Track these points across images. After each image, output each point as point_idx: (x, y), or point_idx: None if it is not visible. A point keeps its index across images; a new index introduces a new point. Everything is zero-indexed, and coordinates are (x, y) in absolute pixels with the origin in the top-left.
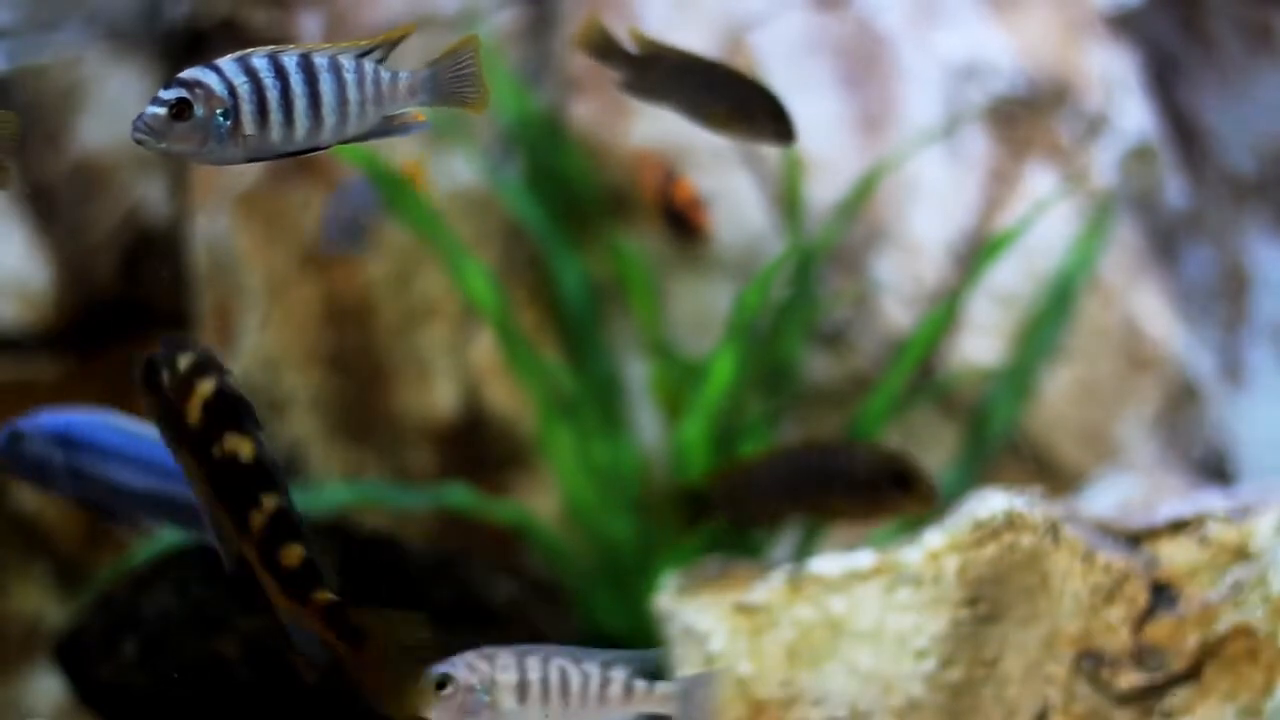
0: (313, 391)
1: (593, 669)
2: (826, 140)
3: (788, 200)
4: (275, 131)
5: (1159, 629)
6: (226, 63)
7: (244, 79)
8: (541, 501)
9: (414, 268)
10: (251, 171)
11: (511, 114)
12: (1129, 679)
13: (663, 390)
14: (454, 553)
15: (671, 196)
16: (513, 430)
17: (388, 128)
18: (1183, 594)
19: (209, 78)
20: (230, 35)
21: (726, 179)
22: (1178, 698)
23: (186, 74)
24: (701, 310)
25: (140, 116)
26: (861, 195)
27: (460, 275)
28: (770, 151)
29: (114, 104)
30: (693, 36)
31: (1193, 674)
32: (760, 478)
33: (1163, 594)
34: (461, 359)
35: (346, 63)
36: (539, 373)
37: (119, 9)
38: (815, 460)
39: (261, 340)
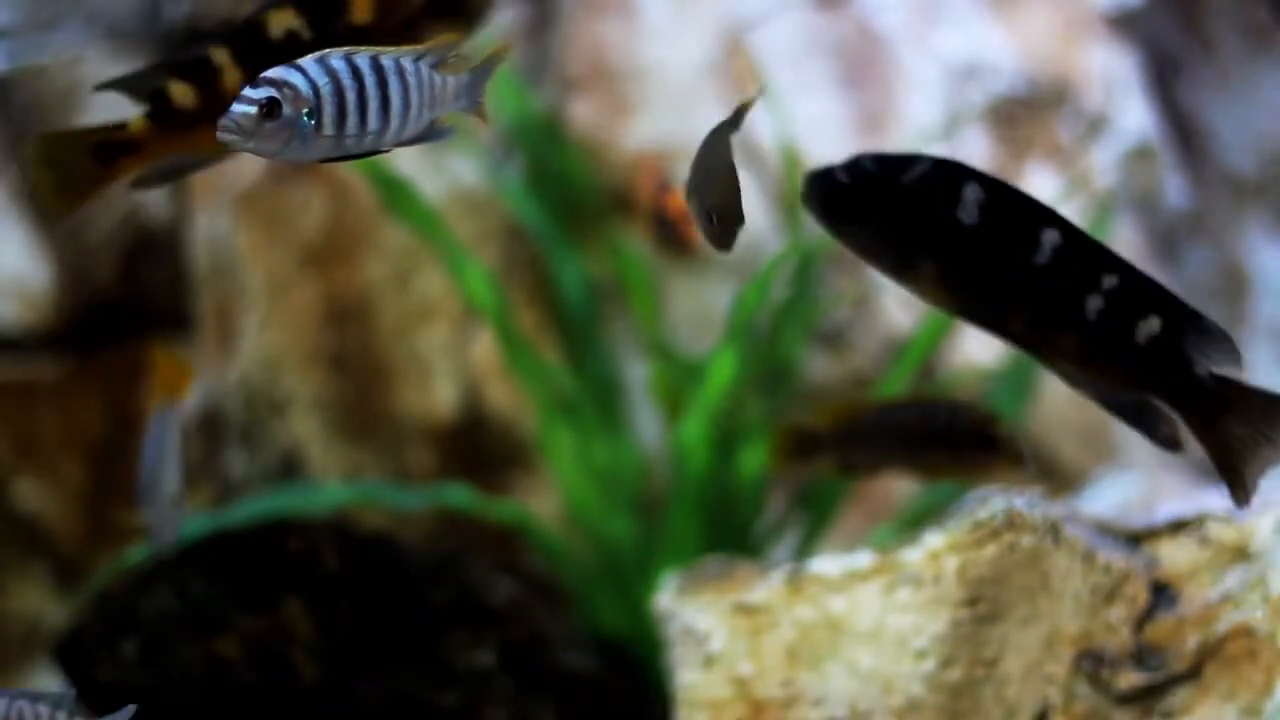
0: (313, 392)
1: None
2: (826, 140)
3: (788, 200)
4: (350, 132)
5: (1159, 629)
6: (309, 63)
7: (326, 79)
8: (541, 501)
9: (414, 268)
10: (251, 171)
11: (511, 114)
12: (1129, 679)
13: (663, 390)
14: (454, 553)
15: (664, 207)
16: (513, 430)
17: (426, 133)
18: (1183, 594)
19: (295, 77)
20: None
21: None
22: (1178, 698)
23: (273, 73)
24: (701, 310)
25: (229, 114)
26: None
27: (460, 275)
28: (770, 151)
29: (114, 104)
30: (693, 36)
31: (1193, 674)
32: (868, 426)
33: (1163, 594)
34: (461, 359)
35: (408, 65)
36: (539, 373)
37: (119, 9)
38: (917, 415)
39: (261, 340)
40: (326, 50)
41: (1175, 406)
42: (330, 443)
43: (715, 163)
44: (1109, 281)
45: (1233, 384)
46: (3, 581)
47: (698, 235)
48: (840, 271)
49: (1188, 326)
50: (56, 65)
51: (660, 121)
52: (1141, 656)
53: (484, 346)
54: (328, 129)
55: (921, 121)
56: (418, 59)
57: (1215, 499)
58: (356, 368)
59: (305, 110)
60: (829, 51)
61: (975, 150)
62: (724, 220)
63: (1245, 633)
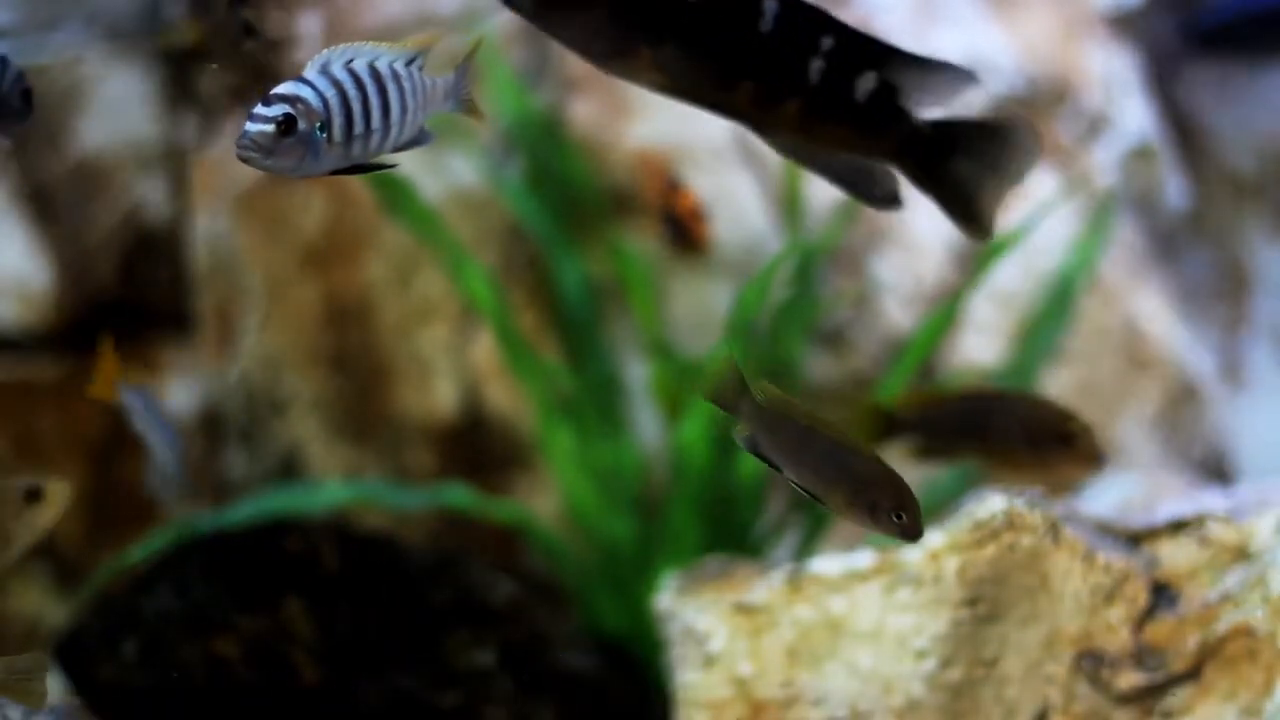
0: (313, 392)
1: None
2: None
3: (788, 200)
4: (356, 141)
5: (1159, 629)
6: (314, 75)
7: (333, 90)
8: (541, 501)
9: (414, 268)
10: (251, 171)
11: (511, 114)
12: (1129, 679)
13: (663, 390)
14: (454, 553)
15: (672, 205)
16: (513, 430)
17: (418, 137)
18: (1183, 594)
19: (306, 91)
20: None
21: (726, 179)
22: (1178, 698)
23: (284, 89)
24: (701, 310)
25: (245, 134)
26: None
27: (460, 275)
28: (770, 151)
29: (114, 104)
30: None
31: (1193, 674)
32: (948, 412)
33: (1163, 594)
34: (461, 359)
35: (400, 69)
36: (539, 373)
37: (119, 9)
38: (996, 406)
39: (261, 340)
40: (325, 57)
41: (896, 161)
42: (330, 443)
43: (860, 458)
44: (827, 43)
45: (951, 124)
46: (3, 581)
47: (706, 233)
48: (840, 271)
49: (907, 73)
50: (56, 65)
51: (660, 122)
52: (1141, 656)
53: (484, 346)
54: (338, 140)
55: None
56: (408, 61)
57: (1215, 499)
58: (356, 368)
59: (318, 124)
60: None
61: None
62: (911, 514)
63: (1245, 633)
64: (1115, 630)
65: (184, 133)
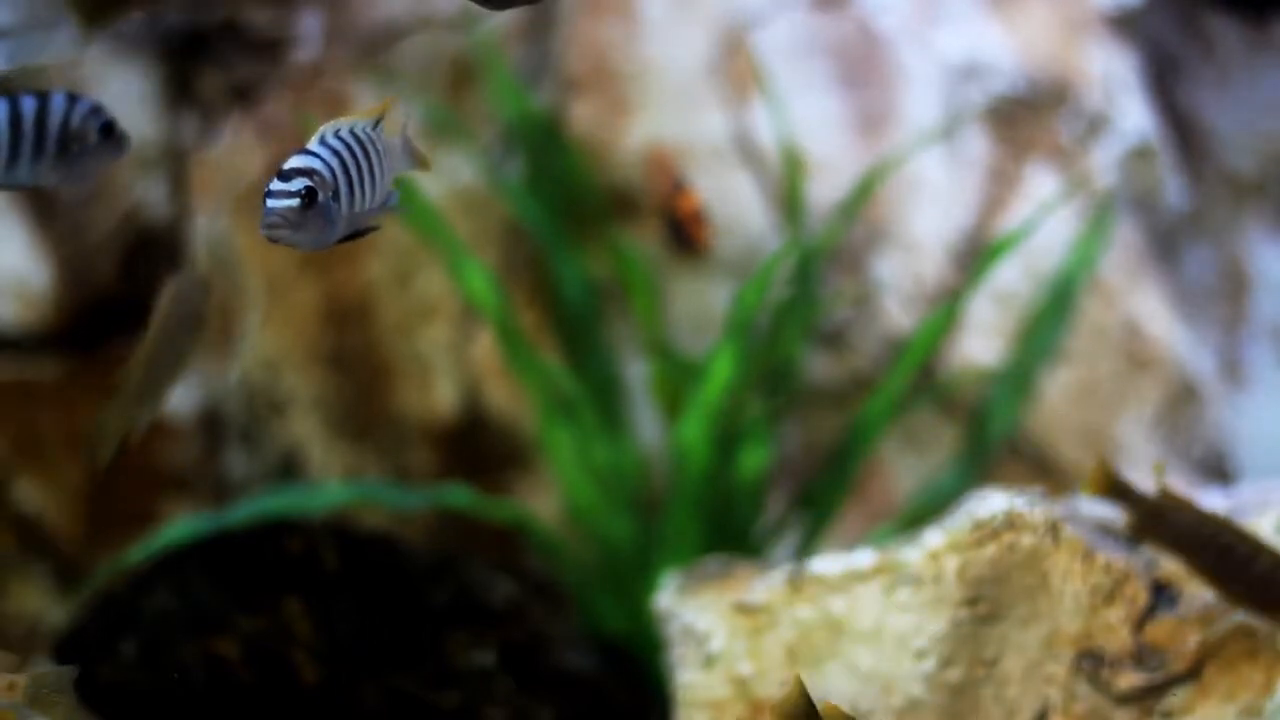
0: (313, 391)
1: None
2: (826, 140)
3: (788, 200)
4: (355, 207)
5: (1159, 629)
6: (318, 146)
7: (336, 159)
8: (541, 501)
9: (414, 268)
10: (251, 171)
11: (511, 114)
12: (1129, 679)
13: (663, 390)
14: (454, 553)
15: (675, 206)
16: (513, 430)
17: (386, 198)
18: (1183, 594)
19: (317, 163)
20: (230, 35)
21: (727, 179)
22: (1178, 698)
23: (297, 163)
24: (701, 310)
25: (271, 211)
26: (862, 195)
27: (460, 275)
28: (770, 151)
29: (114, 104)
30: (693, 36)
31: (1193, 674)
32: (1178, 521)
33: (1163, 594)
34: (461, 359)
35: (373, 134)
36: (539, 373)
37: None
38: (1238, 544)
39: (261, 340)
40: (322, 130)
41: None
42: (330, 443)
43: None
44: None
45: None
46: (3, 581)
47: (708, 236)
48: (840, 271)
49: None
50: (56, 65)
51: (660, 122)
52: (1141, 656)
53: (484, 346)
54: (344, 207)
55: (921, 121)
56: (375, 125)
57: (1216, 499)
58: (356, 368)
59: (331, 193)
60: (829, 51)
61: (975, 150)
62: None
63: (1245, 633)
64: (1115, 630)
65: (184, 133)
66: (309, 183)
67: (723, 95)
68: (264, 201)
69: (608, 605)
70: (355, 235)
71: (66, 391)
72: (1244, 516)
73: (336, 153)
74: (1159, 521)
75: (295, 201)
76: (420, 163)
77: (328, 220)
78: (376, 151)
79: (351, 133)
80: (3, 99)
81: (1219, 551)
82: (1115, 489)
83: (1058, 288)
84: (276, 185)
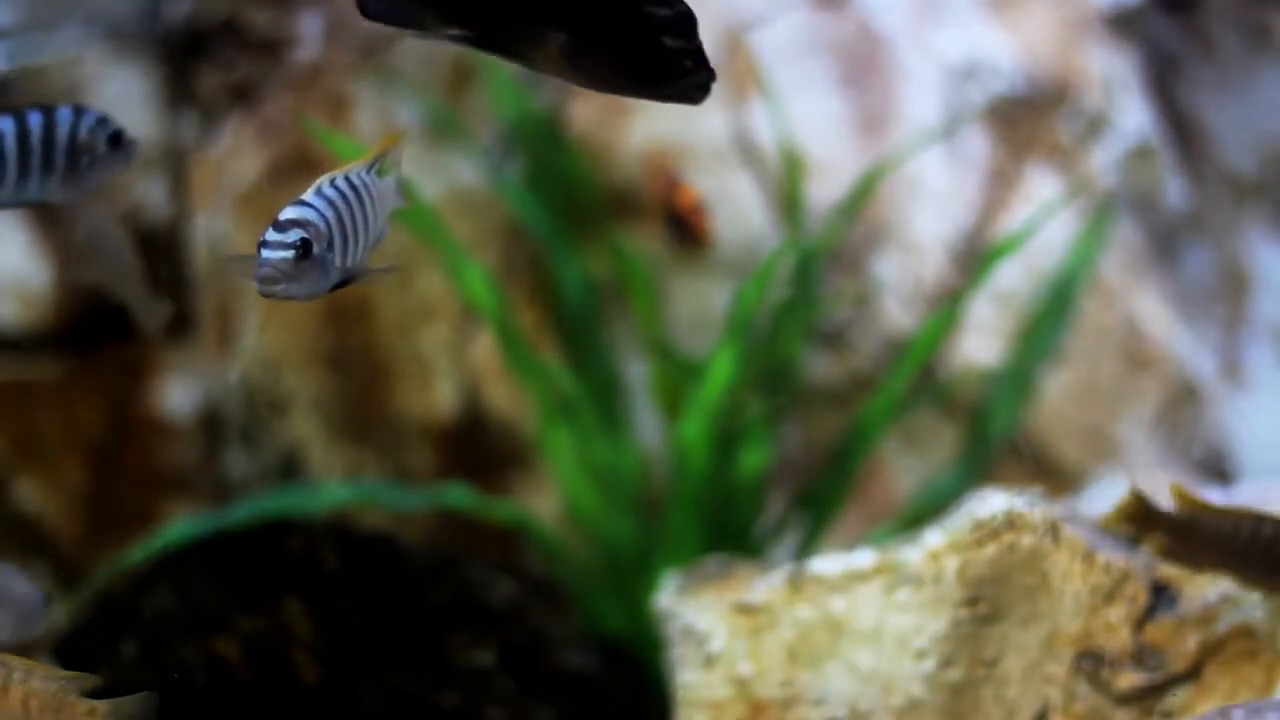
0: (313, 392)
1: None
2: (826, 140)
3: (788, 200)
4: (349, 257)
5: (1159, 629)
6: (313, 197)
7: (330, 209)
8: (541, 501)
9: (414, 268)
10: (251, 171)
11: (511, 114)
12: (1129, 679)
13: (663, 390)
14: (454, 553)
15: (674, 201)
16: (513, 430)
17: (376, 237)
18: (1183, 594)
19: (311, 214)
20: (230, 35)
21: (727, 179)
22: (1178, 698)
23: (292, 214)
24: (701, 310)
25: (266, 263)
26: (862, 195)
27: (460, 275)
28: (769, 151)
29: (114, 104)
30: None
31: (1193, 674)
32: (1209, 532)
33: (1163, 594)
34: (461, 359)
35: (367, 179)
36: (539, 373)
37: (119, 9)
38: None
39: (261, 340)
40: (320, 180)
41: None
42: (330, 443)
43: None
44: None
45: None
46: None
47: (709, 227)
48: (840, 271)
49: None
50: (56, 65)
51: (660, 121)
52: (1141, 656)
53: (484, 346)
54: (338, 259)
55: (921, 121)
56: (369, 169)
57: (1215, 499)
58: (356, 368)
59: (325, 244)
60: (829, 51)
61: (975, 150)
62: None
63: (1245, 633)
64: (1115, 630)
65: (184, 133)
66: (304, 234)
67: (722, 95)
68: (259, 252)
69: (608, 605)
70: (348, 282)
71: (66, 391)
72: None
73: (332, 202)
74: (1192, 536)
75: (290, 253)
76: (407, 200)
77: (323, 270)
78: (370, 197)
79: (347, 180)
80: (8, 116)
81: (1265, 549)
82: (1149, 519)
83: (1058, 288)
84: (272, 236)
